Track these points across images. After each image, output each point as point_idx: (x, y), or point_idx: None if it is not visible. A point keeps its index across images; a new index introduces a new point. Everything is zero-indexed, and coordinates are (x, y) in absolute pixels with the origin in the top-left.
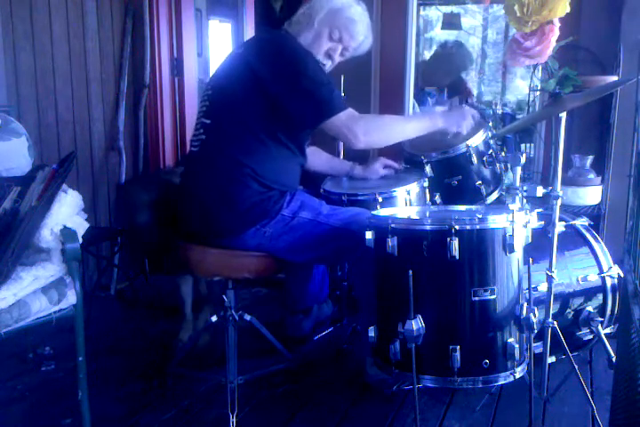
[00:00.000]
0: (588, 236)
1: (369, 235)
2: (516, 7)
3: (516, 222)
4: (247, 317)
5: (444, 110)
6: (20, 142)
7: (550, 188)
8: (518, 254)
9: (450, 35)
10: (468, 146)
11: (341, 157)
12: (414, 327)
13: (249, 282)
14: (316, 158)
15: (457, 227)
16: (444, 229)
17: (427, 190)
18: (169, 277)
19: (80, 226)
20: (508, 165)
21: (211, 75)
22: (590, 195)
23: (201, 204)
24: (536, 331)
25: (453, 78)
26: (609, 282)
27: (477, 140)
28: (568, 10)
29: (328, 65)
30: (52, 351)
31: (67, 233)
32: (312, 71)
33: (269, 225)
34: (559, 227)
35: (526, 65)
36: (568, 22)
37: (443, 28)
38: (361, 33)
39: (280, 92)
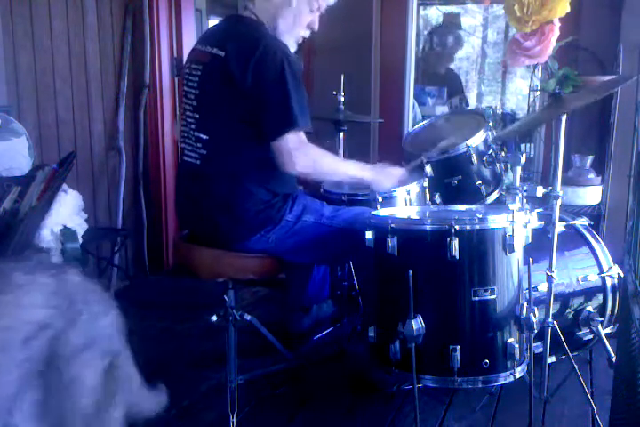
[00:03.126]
0: (588, 236)
1: (369, 235)
2: (515, 7)
3: (515, 222)
4: (247, 317)
5: (380, 168)
6: (20, 142)
7: (550, 188)
8: (518, 254)
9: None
10: (467, 146)
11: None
12: (414, 327)
13: (249, 282)
14: None
15: (457, 227)
16: (443, 229)
17: (427, 190)
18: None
19: (80, 226)
20: (508, 165)
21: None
22: (590, 195)
23: (205, 212)
24: (536, 331)
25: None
26: (609, 282)
27: (477, 141)
28: (568, 10)
29: (307, 35)
30: None
31: (67, 233)
32: (294, 84)
33: (273, 231)
34: (559, 227)
35: (526, 65)
36: (568, 22)
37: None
38: None
39: (259, 96)
